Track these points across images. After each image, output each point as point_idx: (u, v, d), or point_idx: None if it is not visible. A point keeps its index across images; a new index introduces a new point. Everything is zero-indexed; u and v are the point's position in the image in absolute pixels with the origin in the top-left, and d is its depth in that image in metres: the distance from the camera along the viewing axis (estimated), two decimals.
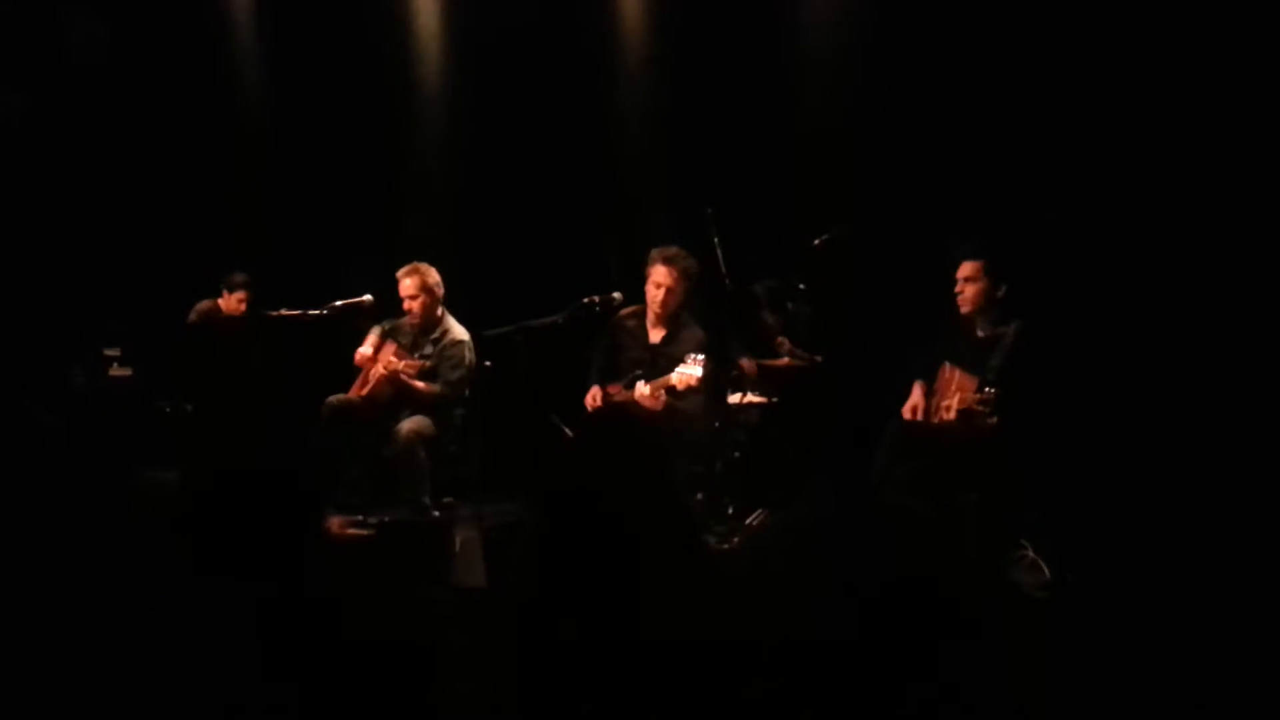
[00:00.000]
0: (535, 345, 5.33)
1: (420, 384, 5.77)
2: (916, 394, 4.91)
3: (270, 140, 7.37)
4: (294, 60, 7.23)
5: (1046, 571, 4.41)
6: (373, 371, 5.86)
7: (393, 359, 5.74)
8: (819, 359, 5.36)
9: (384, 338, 6.03)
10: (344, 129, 7.10)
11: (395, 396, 5.80)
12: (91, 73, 7.42)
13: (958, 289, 4.86)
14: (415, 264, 5.92)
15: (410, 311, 5.90)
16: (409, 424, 5.67)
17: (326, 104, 7.12)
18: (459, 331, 5.94)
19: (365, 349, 5.97)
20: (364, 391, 5.88)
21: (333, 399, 5.83)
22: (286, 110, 7.29)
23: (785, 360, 5.43)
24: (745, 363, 5.51)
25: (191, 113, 7.28)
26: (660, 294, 5.43)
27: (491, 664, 2.14)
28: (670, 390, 5.21)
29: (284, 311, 5.94)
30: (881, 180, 5.85)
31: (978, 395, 4.58)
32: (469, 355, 5.88)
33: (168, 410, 6.50)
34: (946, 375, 4.87)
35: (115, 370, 6.82)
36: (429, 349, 5.91)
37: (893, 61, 5.88)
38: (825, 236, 5.44)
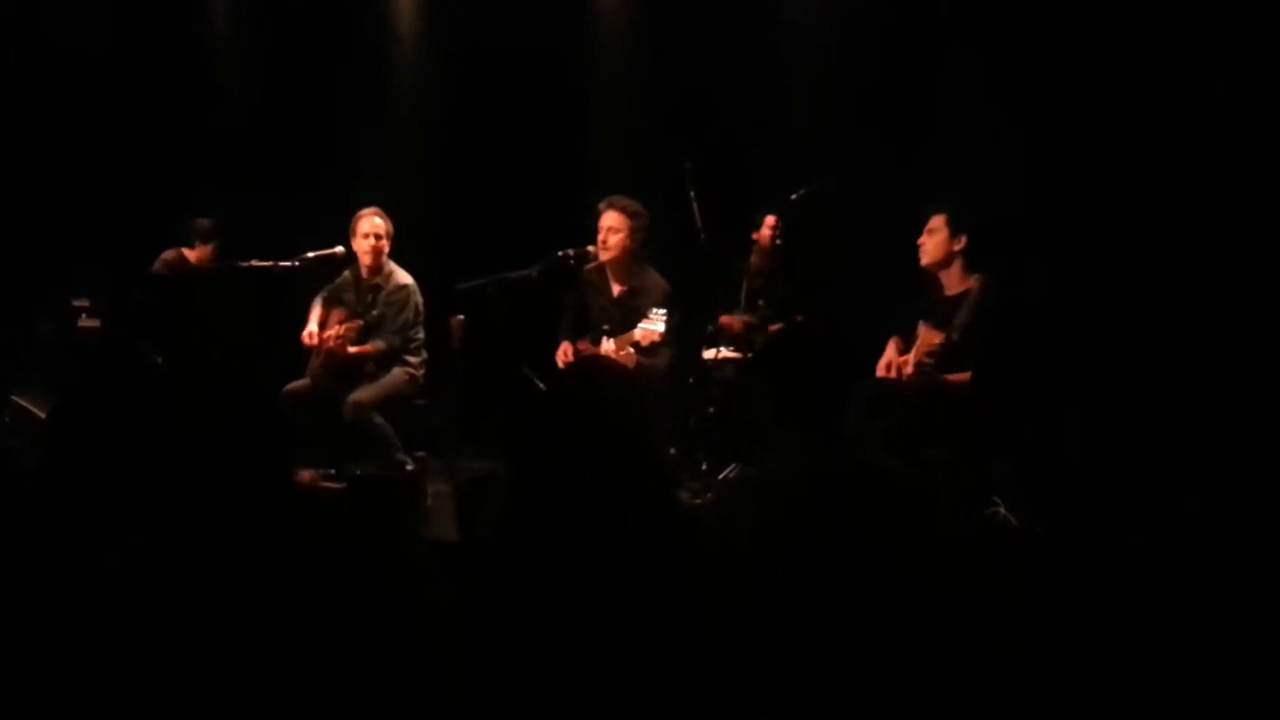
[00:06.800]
0: (509, 298, 5.29)
1: (366, 347, 5.62)
2: (891, 350, 4.91)
3: (244, 90, 7.28)
4: (268, 11, 7.14)
5: (1016, 527, 4.45)
6: (323, 345, 5.69)
7: (329, 334, 5.60)
8: (799, 319, 5.34)
9: (326, 306, 5.82)
10: (319, 80, 7.03)
11: (349, 363, 5.64)
12: (62, 19, 7.27)
13: (919, 240, 4.84)
14: (376, 208, 5.77)
15: (364, 253, 5.70)
16: (356, 396, 5.50)
17: (301, 54, 7.04)
18: (402, 277, 5.78)
19: (310, 327, 5.76)
20: (318, 367, 5.70)
21: (290, 387, 5.64)
22: (260, 59, 7.21)
23: (749, 317, 5.44)
24: (726, 319, 5.49)
25: (164, 59, 7.19)
26: (607, 237, 5.31)
27: (462, 618, 2.13)
28: (636, 346, 5.17)
29: (255, 262, 5.85)
30: (860, 138, 5.83)
31: (928, 348, 4.60)
32: (414, 299, 5.76)
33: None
34: (918, 333, 4.87)
35: (84, 321, 6.71)
36: (371, 298, 5.76)
37: (875, 21, 5.86)
38: (802, 191, 5.43)
